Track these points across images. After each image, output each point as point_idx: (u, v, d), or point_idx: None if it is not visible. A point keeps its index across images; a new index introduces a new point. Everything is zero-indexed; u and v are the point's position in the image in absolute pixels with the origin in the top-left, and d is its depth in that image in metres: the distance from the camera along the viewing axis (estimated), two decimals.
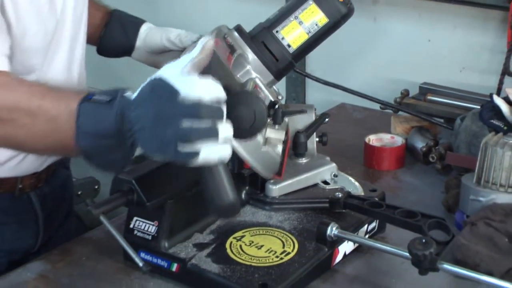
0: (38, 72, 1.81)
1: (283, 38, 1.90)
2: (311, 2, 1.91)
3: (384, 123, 2.46)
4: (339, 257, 1.76)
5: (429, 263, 1.56)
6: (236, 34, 1.88)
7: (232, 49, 1.81)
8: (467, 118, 2.21)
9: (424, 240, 1.58)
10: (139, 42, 2.11)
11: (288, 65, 1.92)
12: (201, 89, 1.36)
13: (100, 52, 2.19)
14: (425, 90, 2.58)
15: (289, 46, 1.90)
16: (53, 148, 1.61)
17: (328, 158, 1.98)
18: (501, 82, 2.66)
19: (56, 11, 1.84)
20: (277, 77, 1.93)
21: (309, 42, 1.91)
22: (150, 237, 1.71)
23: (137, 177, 1.66)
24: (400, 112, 2.59)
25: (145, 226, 1.72)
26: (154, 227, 1.71)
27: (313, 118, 2.01)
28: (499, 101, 2.10)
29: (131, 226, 1.74)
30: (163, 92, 1.37)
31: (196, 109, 1.34)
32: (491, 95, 2.15)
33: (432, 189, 2.17)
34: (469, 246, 1.69)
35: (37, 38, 1.79)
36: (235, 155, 1.75)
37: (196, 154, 1.35)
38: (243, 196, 1.91)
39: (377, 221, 1.87)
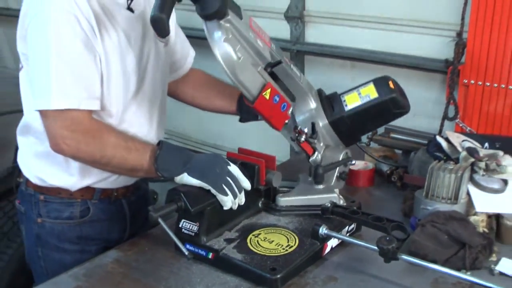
0: (115, 118, 1.82)
1: (344, 100, 1.95)
2: (371, 83, 1.96)
3: (359, 153, 2.45)
4: (327, 249, 1.75)
5: (392, 254, 1.57)
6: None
7: None
8: (418, 151, 2.22)
9: (388, 238, 1.58)
10: None
11: (341, 119, 1.94)
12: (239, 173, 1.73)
13: (241, 120, 2.16)
14: (389, 130, 2.58)
15: (346, 105, 1.93)
16: (131, 170, 1.77)
17: (336, 190, 1.92)
18: (442, 125, 2.67)
19: (140, 70, 1.85)
20: (333, 124, 1.95)
21: (360, 107, 1.92)
22: (193, 234, 1.71)
23: (185, 191, 1.66)
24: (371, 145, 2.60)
25: (190, 226, 1.72)
26: (196, 227, 1.71)
27: (340, 158, 1.94)
28: (440, 139, 2.12)
29: (180, 225, 1.74)
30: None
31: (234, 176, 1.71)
32: (435, 136, 2.17)
33: (393, 201, 2.14)
34: (420, 242, 1.68)
35: (120, 83, 1.80)
36: (255, 176, 1.77)
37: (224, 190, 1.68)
38: (259, 205, 1.90)
39: (355, 223, 1.86)
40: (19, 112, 1.88)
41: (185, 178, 1.69)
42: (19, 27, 1.71)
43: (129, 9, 1.81)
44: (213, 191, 1.67)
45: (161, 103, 1.98)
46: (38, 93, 1.67)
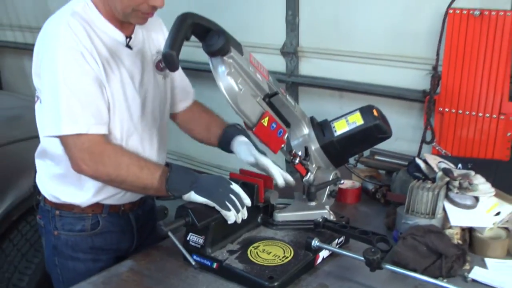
0: (119, 142, 1.82)
1: (333, 126, 1.95)
2: (357, 112, 1.95)
3: (347, 173, 2.45)
4: (319, 260, 1.75)
5: (377, 264, 1.56)
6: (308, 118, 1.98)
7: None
8: (400, 172, 2.22)
9: (373, 249, 1.58)
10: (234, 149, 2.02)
11: (330, 143, 1.93)
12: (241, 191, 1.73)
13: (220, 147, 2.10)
14: (373, 153, 2.58)
15: (335, 131, 1.93)
16: (143, 188, 1.76)
17: (327, 207, 1.91)
18: (420, 148, 2.68)
19: (140, 100, 1.86)
20: (324, 148, 1.94)
21: (348, 132, 1.92)
22: (199, 246, 1.71)
23: (192, 208, 1.67)
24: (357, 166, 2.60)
25: (197, 239, 1.71)
26: (202, 240, 1.70)
27: (330, 178, 1.94)
28: (419, 161, 2.12)
29: (188, 238, 1.73)
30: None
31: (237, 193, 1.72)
32: (414, 158, 2.17)
33: (378, 216, 2.14)
34: (402, 252, 1.68)
35: (123, 111, 1.81)
36: (255, 194, 1.78)
37: (227, 206, 1.68)
38: (259, 220, 1.89)
39: (344, 236, 1.85)
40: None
41: (192, 196, 1.69)
42: (33, 64, 1.74)
43: (128, 46, 1.82)
44: (217, 207, 1.68)
45: (160, 129, 1.98)
46: (50, 121, 1.69)
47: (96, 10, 1.75)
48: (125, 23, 1.79)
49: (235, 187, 1.72)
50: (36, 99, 1.81)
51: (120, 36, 1.80)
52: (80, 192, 1.86)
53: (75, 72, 1.66)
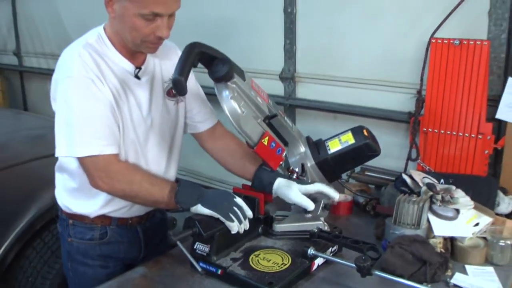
0: (133, 160, 1.83)
1: (327, 145, 1.95)
2: (349, 132, 1.96)
3: (340, 188, 2.45)
4: (315, 267, 1.75)
5: (367, 271, 1.56)
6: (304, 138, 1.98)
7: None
8: (388, 186, 2.22)
9: (364, 257, 1.58)
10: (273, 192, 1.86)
11: (325, 160, 1.93)
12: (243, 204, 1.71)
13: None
14: (364, 169, 2.59)
15: (329, 149, 1.93)
16: (154, 202, 1.76)
17: (322, 219, 1.89)
18: (406, 165, 2.67)
19: (146, 125, 1.86)
20: (319, 165, 1.94)
21: (341, 151, 1.92)
22: (205, 254, 1.71)
23: (199, 219, 1.67)
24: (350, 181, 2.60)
25: (203, 247, 1.72)
26: (207, 248, 1.71)
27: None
28: (405, 177, 2.12)
29: (195, 247, 1.73)
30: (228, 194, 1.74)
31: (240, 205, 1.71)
32: (401, 174, 2.17)
33: (368, 226, 2.13)
34: (390, 260, 1.68)
35: (130, 135, 1.81)
36: (256, 206, 1.78)
37: (231, 218, 1.67)
38: (259, 230, 1.89)
39: (337, 245, 1.85)
40: None
41: (199, 209, 1.69)
42: (51, 89, 1.75)
43: (136, 77, 1.82)
44: (222, 219, 1.68)
45: (170, 151, 1.97)
46: (64, 143, 1.69)
47: (108, 42, 1.76)
48: (137, 53, 1.80)
49: (238, 200, 1.72)
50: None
51: (129, 66, 1.80)
52: (89, 204, 1.88)
53: (86, 98, 1.67)
